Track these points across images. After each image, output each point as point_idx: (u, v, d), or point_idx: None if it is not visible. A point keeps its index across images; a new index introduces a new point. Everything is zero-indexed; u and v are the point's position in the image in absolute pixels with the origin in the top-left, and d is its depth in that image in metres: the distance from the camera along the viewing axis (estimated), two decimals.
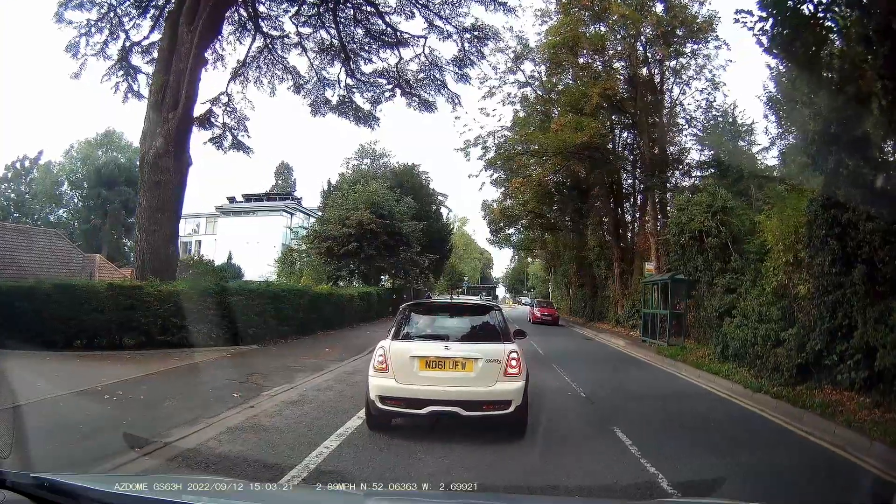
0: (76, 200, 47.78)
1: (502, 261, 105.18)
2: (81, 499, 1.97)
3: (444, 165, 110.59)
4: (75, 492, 2.00)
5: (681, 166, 22.86)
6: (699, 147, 22.43)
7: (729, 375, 9.81)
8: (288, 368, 9.41)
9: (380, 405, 5.45)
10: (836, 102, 8.39)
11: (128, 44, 18.46)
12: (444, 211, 44.45)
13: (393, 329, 5.98)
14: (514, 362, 5.50)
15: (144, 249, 13.08)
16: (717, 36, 20.83)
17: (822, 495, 4.62)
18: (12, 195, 47.34)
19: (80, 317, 10.57)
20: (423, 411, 5.27)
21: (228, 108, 20.16)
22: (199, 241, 47.77)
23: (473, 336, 5.96)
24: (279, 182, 61.14)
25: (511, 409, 5.36)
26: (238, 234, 43.08)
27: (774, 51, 9.56)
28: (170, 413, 6.08)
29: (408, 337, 5.91)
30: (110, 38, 18.24)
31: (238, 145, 20.43)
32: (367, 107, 21.01)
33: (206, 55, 17.04)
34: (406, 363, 5.46)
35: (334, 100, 21.05)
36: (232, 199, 49.59)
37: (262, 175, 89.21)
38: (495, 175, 28.19)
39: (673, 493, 4.30)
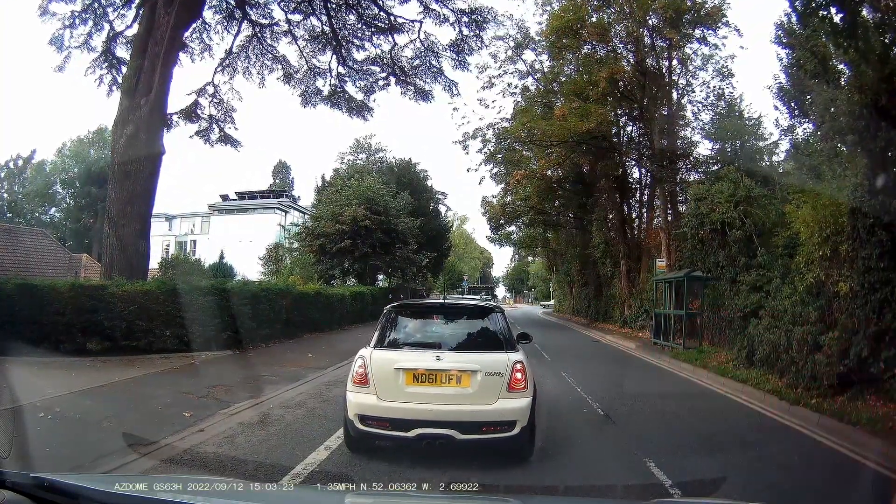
0: (68, 200, 46.83)
1: (503, 260, 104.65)
2: (81, 499, 1.98)
3: (443, 163, 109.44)
4: (75, 492, 2.00)
5: (688, 160, 21.87)
6: (708, 140, 21.51)
7: (758, 384, 8.76)
8: (259, 379, 8.34)
9: (359, 426, 4.70)
10: (883, 73, 7.43)
11: (112, 34, 17.70)
12: (442, 209, 43.41)
13: (375, 335, 5.20)
14: (519, 375, 4.74)
15: (113, 245, 12.11)
16: (727, 21, 19.91)
17: None
18: (6, 195, 46.50)
19: (42, 319, 9.78)
20: (411, 434, 4.52)
21: (215, 100, 19.30)
22: (195, 241, 46.87)
23: (471, 344, 5.16)
24: (277, 181, 60.49)
25: (515, 430, 4.61)
26: (232, 233, 42.06)
27: (807, 19, 8.52)
28: (99, 439, 5.06)
29: (393, 345, 5.14)
30: (94, 29, 17.57)
31: (226, 139, 19.58)
32: (359, 96, 20.26)
33: (185, 40, 16.18)
34: (390, 376, 4.70)
35: (326, 90, 20.29)
36: (225, 197, 48.37)
37: (261, 175, 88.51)
38: (495, 169, 27.35)
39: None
